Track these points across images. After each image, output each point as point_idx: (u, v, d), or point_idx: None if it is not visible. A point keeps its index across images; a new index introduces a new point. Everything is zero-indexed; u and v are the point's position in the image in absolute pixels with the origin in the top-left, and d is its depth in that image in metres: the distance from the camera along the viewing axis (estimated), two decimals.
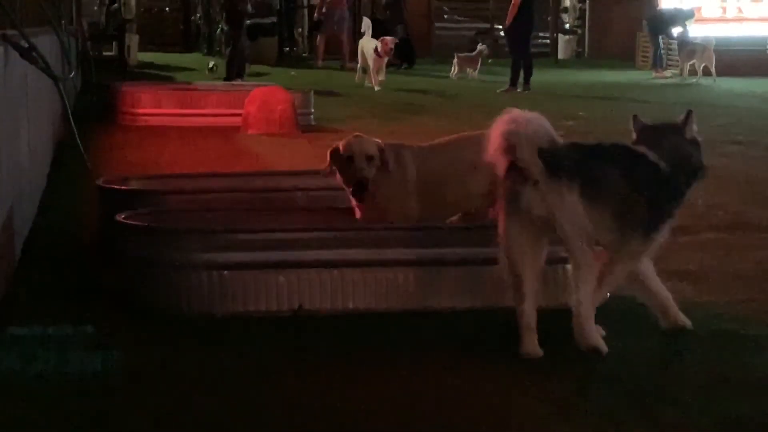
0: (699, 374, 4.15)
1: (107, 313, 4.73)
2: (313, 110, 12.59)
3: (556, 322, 4.70)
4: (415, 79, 20.25)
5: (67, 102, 8.26)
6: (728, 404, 3.80)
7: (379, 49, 17.68)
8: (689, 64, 21.66)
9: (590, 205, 4.17)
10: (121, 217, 5.02)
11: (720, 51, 21.47)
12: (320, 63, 24.76)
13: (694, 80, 21.20)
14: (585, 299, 4.19)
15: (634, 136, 4.50)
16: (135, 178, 6.46)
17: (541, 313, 4.29)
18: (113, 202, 5.58)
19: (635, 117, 4.54)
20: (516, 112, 4.19)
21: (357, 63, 19.07)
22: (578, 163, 4.18)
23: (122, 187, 5.96)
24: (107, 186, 5.96)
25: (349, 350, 4.36)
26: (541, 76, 19.69)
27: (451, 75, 20.92)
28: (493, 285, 4.85)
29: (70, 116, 8.03)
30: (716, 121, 12.63)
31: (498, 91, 18.28)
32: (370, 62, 17.90)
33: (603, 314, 4.85)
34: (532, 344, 4.23)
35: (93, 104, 13.15)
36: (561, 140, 4.26)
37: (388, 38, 18.20)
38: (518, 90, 18.23)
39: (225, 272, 4.73)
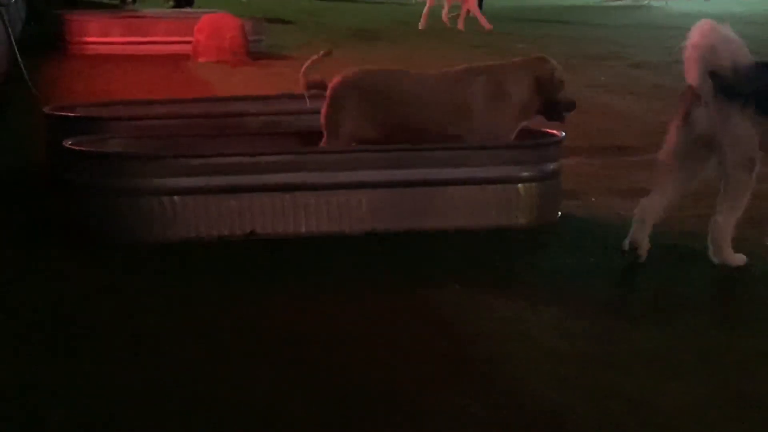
0: (649, 289, 4.21)
1: (57, 241, 4.70)
2: (264, 38, 12.46)
3: (508, 241, 4.75)
4: (370, 6, 20.07)
5: (10, 29, 8.09)
6: (677, 317, 3.86)
7: None
8: None
9: None
10: (68, 143, 4.95)
11: None
12: None
13: (646, 2, 21.22)
14: (724, 224, 4.27)
15: None
16: (83, 105, 6.36)
17: (496, 232, 4.25)
18: (61, 129, 5.50)
19: None
20: (703, 25, 4.16)
21: None
22: (760, 86, 4.12)
23: (70, 114, 5.87)
24: (54, 113, 5.86)
25: (303, 273, 4.36)
26: (493, 1, 19.58)
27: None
28: (444, 207, 4.88)
29: (14, 44, 7.87)
30: (667, 42, 12.63)
31: (450, 15, 18.17)
32: None
33: (557, 232, 4.91)
34: (638, 234, 4.35)
35: (39, 34, 12.89)
36: (750, 58, 4.18)
37: None
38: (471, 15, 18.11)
39: (176, 197, 4.70)
